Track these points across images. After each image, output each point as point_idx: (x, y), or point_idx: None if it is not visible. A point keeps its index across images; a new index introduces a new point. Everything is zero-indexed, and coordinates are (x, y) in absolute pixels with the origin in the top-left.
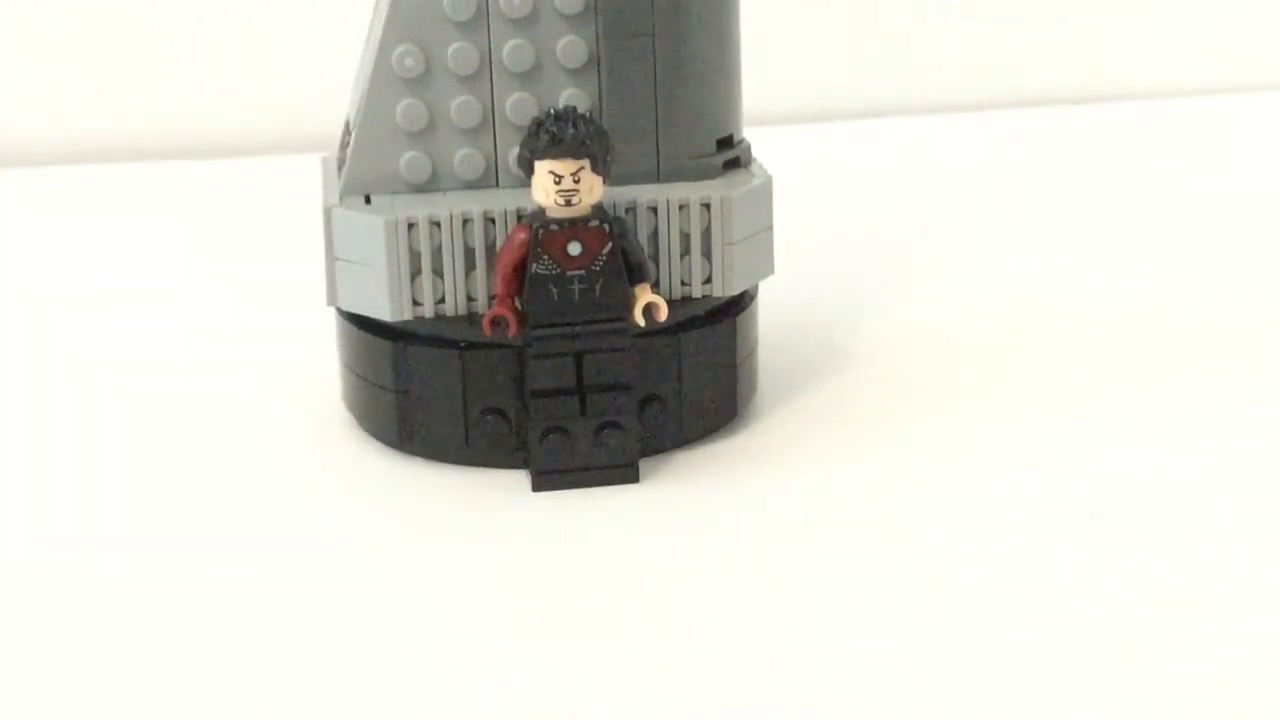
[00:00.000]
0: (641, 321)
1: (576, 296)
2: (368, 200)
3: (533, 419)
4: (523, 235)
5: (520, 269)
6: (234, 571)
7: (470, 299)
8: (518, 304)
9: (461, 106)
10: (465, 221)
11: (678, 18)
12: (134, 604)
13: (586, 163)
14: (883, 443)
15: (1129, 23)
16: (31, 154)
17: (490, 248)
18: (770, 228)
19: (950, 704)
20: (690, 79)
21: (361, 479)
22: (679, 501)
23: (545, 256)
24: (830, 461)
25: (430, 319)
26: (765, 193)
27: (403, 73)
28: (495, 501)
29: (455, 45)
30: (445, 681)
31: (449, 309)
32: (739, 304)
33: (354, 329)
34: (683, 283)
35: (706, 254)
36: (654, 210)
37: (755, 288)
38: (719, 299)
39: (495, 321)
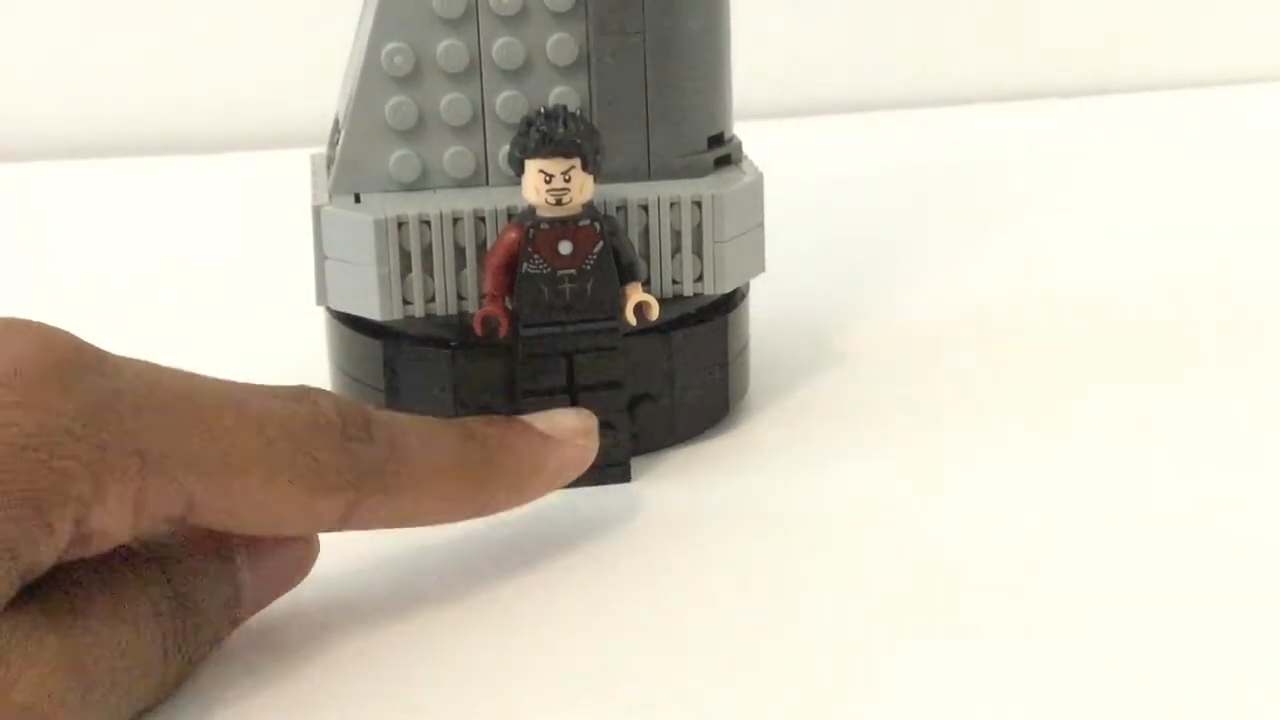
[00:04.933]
0: (632, 320)
1: (567, 295)
2: (357, 199)
3: None
4: (514, 234)
5: (511, 268)
6: None
7: (461, 298)
8: (508, 303)
9: (451, 104)
10: (455, 220)
11: (668, 15)
12: None
13: (577, 161)
14: (874, 440)
15: (1119, 18)
16: (18, 149)
17: (481, 246)
18: (761, 225)
19: (946, 700)
20: (680, 77)
21: None
22: (671, 500)
23: (536, 255)
24: (822, 459)
25: (421, 318)
26: (756, 190)
27: (392, 71)
28: None
29: (445, 43)
30: (434, 680)
31: (439, 308)
32: (730, 302)
33: (344, 328)
34: (674, 281)
35: (697, 252)
36: (645, 208)
37: (746, 285)
38: (710, 297)
39: (486, 320)
